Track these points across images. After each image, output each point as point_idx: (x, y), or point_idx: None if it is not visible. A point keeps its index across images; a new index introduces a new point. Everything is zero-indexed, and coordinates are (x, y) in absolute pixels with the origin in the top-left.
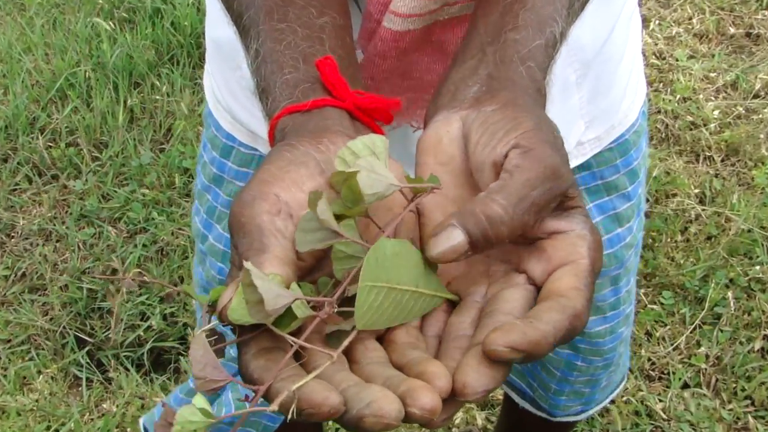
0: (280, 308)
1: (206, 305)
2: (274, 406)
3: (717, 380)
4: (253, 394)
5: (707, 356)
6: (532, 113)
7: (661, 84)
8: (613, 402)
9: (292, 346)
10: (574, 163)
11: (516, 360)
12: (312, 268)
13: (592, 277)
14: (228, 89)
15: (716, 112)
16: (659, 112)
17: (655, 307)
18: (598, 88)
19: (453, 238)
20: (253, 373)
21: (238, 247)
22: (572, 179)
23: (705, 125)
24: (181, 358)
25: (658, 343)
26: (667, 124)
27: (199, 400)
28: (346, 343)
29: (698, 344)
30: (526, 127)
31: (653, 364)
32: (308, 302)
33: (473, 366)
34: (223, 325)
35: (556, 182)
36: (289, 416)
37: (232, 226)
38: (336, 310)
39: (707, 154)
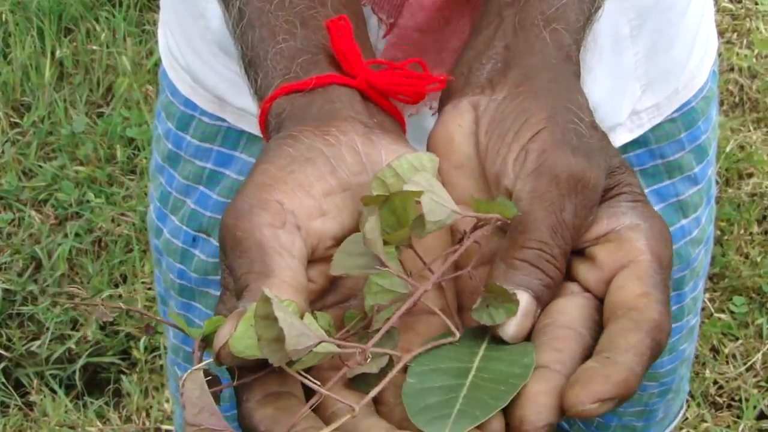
0: (302, 350)
1: (199, 339)
2: None
3: None
4: None
5: None
6: (547, 98)
7: (735, 35)
8: None
9: (306, 389)
10: (626, 137)
11: (609, 410)
12: (323, 292)
13: (662, 273)
14: (188, 43)
15: None
16: (732, 69)
17: (723, 316)
18: (658, 43)
19: (521, 302)
20: (260, 425)
21: (234, 270)
22: (601, 177)
23: None
24: (123, 377)
25: (727, 362)
26: (741, 86)
27: None
28: (374, 392)
29: None
30: (537, 124)
31: (720, 388)
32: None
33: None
34: (217, 365)
35: (585, 193)
36: None
37: (226, 243)
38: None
39: None
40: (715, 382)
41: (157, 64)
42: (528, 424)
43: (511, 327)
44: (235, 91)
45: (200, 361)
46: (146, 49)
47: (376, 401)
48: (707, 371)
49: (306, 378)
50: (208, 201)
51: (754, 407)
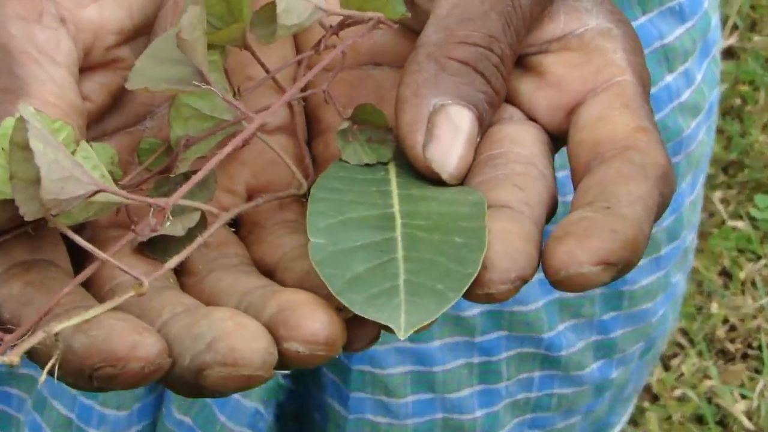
0: (68, 200)
1: None
2: (15, 355)
3: None
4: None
5: None
6: None
7: None
8: (656, 397)
9: (74, 258)
10: None
11: (607, 282)
12: (102, 113)
13: (648, 103)
14: None
15: None
16: None
17: (740, 224)
18: None
19: (463, 122)
20: (2, 308)
21: None
22: None
23: None
24: None
25: (743, 291)
26: None
27: None
28: (175, 261)
29: None
30: None
31: (732, 329)
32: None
33: None
34: None
35: None
36: (57, 376)
37: None
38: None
39: None
40: (725, 321)
41: None
42: (497, 271)
43: (452, 159)
44: None
45: None
46: None
47: (180, 271)
48: (714, 305)
49: (73, 237)
50: None
51: None
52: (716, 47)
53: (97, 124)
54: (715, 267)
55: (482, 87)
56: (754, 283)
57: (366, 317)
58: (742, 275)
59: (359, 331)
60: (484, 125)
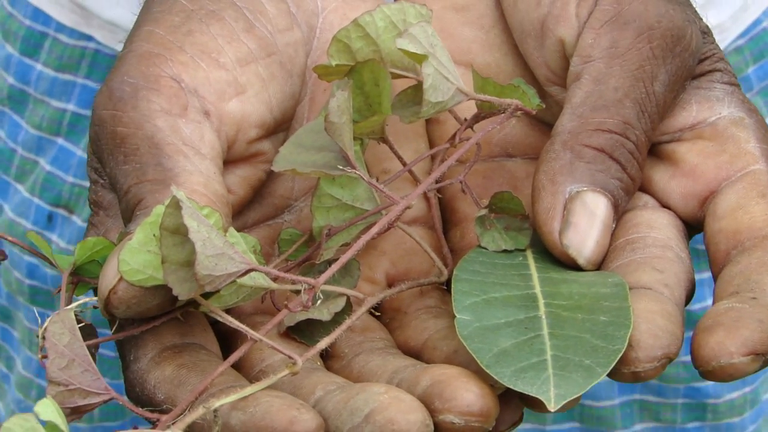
0: (221, 277)
1: (68, 272)
2: (177, 429)
3: None
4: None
5: None
6: None
7: None
8: None
9: (222, 343)
10: None
11: (755, 372)
12: (243, 206)
13: None
14: None
15: None
16: None
17: None
18: None
19: (599, 209)
20: (156, 392)
21: (119, 181)
22: (700, 37)
23: None
24: None
25: None
26: None
27: (47, 409)
28: (326, 342)
29: None
30: None
31: None
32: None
33: None
34: (107, 316)
35: (683, 57)
36: None
37: (101, 144)
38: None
39: None
40: None
41: None
42: (643, 349)
43: (589, 245)
44: None
45: (70, 302)
46: None
47: (325, 355)
48: None
49: (225, 317)
50: (71, 160)
51: None
52: None
53: (238, 216)
54: None
55: (617, 174)
56: None
57: (515, 389)
58: None
59: (504, 412)
60: (620, 211)
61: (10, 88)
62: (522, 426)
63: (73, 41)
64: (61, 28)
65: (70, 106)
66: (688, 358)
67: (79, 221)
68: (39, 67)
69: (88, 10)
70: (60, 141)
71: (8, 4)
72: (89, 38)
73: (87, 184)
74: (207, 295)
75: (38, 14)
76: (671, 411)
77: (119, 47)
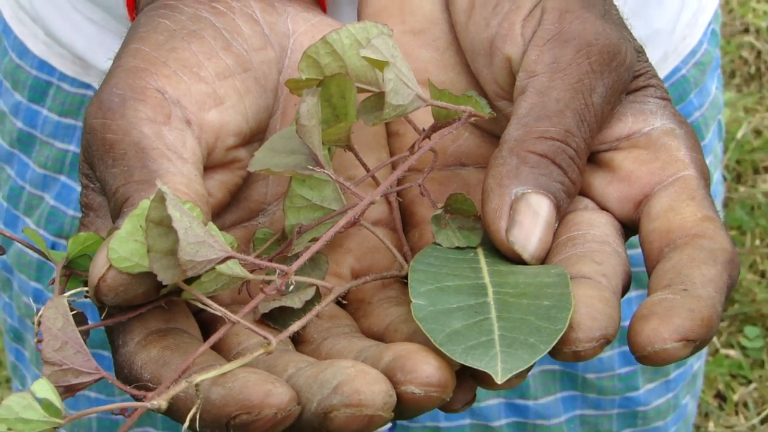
0: (202, 263)
1: (61, 264)
2: (159, 403)
3: None
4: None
5: None
6: None
7: None
8: None
9: (203, 328)
10: None
11: (686, 357)
12: (222, 208)
13: (708, 192)
14: None
15: None
16: (746, 30)
17: (731, 352)
18: None
19: (542, 209)
20: (143, 372)
21: (108, 183)
22: (634, 55)
23: None
24: None
25: (737, 412)
26: (759, 52)
27: (42, 387)
28: (297, 325)
29: None
30: None
31: None
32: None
33: None
34: (97, 303)
35: (619, 72)
36: (198, 426)
37: (92, 150)
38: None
39: None
40: None
41: None
42: (582, 330)
43: (533, 241)
44: (99, 48)
45: (63, 292)
46: None
47: (296, 340)
48: (710, 424)
49: (206, 301)
50: (72, 195)
51: None
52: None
53: (216, 218)
54: (710, 390)
55: (559, 177)
56: (746, 405)
57: (465, 365)
58: (735, 397)
59: (458, 392)
60: (562, 212)
61: (19, 131)
62: None
63: (74, 89)
64: (63, 77)
65: (72, 147)
66: (624, 370)
67: None
68: (45, 112)
69: (88, 62)
70: (63, 178)
71: (17, 56)
72: (88, 86)
73: None
74: (189, 282)
75: (43, 65)
76: (608, 421)
77: None
